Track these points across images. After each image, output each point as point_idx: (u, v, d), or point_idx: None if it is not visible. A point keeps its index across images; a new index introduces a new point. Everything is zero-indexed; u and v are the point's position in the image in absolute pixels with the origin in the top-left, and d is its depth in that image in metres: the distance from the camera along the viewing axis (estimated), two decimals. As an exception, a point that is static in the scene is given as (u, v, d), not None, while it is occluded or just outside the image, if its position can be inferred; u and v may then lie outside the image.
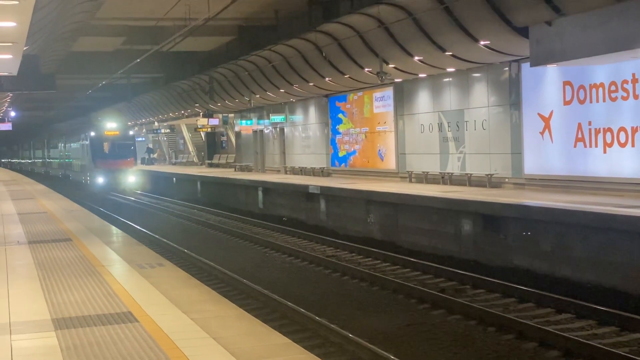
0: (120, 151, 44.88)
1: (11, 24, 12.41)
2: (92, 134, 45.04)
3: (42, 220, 19.32)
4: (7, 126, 41.26)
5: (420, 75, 25.19)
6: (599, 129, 18.46)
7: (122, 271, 11.13)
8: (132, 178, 45.13)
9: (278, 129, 38.93)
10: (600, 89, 18.32)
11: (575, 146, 19.26)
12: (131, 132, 47.51)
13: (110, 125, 45.68)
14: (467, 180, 23.44)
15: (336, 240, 20.99)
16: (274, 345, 6.98)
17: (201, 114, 45.60)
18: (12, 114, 47.15)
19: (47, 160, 73.01)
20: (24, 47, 16.07)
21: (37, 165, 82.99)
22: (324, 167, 33.68)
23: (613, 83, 17.97)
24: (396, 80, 26.00)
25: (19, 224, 18.30)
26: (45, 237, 15.64)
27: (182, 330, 7.51)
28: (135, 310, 8.41)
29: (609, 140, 18.22)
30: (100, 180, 44.21)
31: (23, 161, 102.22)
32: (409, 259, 17.51)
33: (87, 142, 45.67)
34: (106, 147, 45.16)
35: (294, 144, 37.49)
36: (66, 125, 74.26)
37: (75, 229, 16.99)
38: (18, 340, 7.32)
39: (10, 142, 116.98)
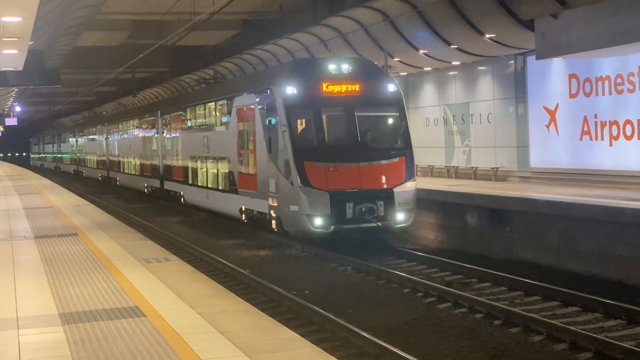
0: (374, 139, 18.31)
1: (16, 18, 12.43)
2: (288, 90, 17.84)
3: (49, 214, 19.36)
4: (12, 121, 41.26)
5: (426, 69, 25.16)
6: (605, 122, 18.41)
7: (129, 265, 11.14)
8: (402, 216, 17.43)
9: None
10: (606, 82, 18.27)
11: (581, 139, 19.22)
12: (393, 86, 18.74)
13: (340, 67, 18.19)
14: (473, 174, 23.40)
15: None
16: (281, 340, 6.99)
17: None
18: (17, 108, 46.86)
19: (114, 158, 42.52)
20: (29, 42, 16.10)
21: (93, 166, 50.47)
22: (329, 161, 33.48)
23: (619, 76, 17.92)
24: (401, 73, 25.96)
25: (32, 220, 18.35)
26: (52, 231, 15.67)
27: (189, 324, 7.52)
28: (142, 305, 8.43)
29: (614, 133, 18.17)
30: (318, 221, 17.06)
31: (65, 155, 68.85)
32: (414, 252, 17.48)
33: (274, 112, 18.20)
34: (331, 123, 18.48)
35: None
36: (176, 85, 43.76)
37: (81, 224, 17.02)
38: (25, 335, 7.33)
39: (47, 125, 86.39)
